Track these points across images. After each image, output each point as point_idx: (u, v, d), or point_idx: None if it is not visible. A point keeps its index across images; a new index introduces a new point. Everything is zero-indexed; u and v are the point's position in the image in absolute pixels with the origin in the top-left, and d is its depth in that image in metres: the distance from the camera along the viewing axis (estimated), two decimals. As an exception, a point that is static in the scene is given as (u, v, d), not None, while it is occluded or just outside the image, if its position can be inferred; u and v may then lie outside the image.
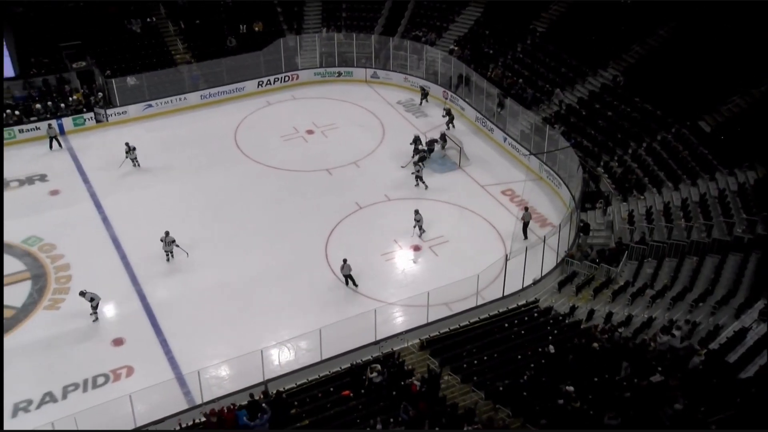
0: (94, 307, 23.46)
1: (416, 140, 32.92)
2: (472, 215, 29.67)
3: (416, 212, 28.18)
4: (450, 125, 34.62)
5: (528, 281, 25.50)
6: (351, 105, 37.29)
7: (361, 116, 36.35)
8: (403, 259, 27.44)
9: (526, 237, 27.83)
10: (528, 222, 28.05)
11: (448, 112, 34.88)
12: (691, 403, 17.27)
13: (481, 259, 26.13)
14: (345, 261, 25.61)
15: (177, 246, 26.29)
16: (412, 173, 30.98)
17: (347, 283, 25.63)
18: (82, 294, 23.42)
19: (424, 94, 36.67)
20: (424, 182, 30.71)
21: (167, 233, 26.29)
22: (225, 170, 32.03)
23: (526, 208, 28.57)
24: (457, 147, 33.18)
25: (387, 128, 35.29)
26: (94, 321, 23.46)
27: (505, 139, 34.12)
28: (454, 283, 24.37)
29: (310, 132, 35.05)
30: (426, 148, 32.67)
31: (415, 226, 28.01)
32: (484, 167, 32.77)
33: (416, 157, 31.92)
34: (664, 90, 31.83)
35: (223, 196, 30.45)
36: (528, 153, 32.58)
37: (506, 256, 24.98)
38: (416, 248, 27.90)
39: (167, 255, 26.36)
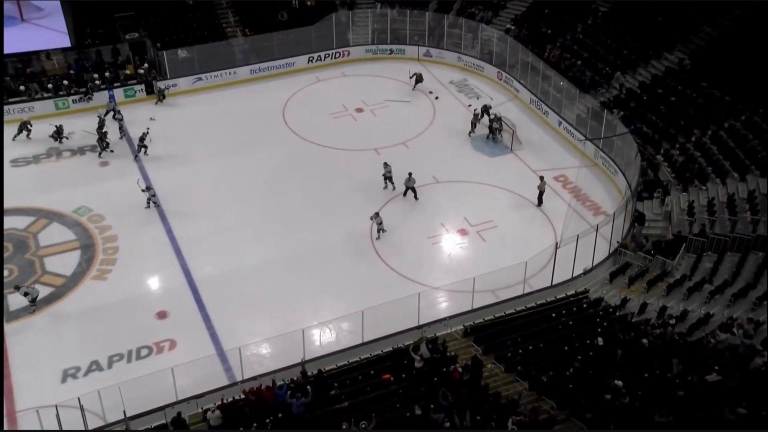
0: (31, 301, 23.37)
1: (485, 111, 33.15)
2: (523, 200, 29.53)
3: (385, 164, 28.66)
4: (414, 88, 34.53)
5: (578, 271, 25.32)
6: (403, 84, 37.32)
7: (413, 95, 36.45)
8: (450, 244, 27.46)
9: (540, 204, 28.27)
10: (543, 191, 28.37)
11: (418, 78, 34.48)
12: (752, 407, 16.92)
13: (529, 246, 26.05)
14: (410, 174, 27.86)
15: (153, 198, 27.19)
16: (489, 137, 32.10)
17: (405, 194, 27.73)
18: (17, 288, 23.34)
19: (418, 80, 35.48)
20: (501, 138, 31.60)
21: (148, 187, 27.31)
22: (272, 147, 32.22)
23: (542, 177, 28.69)
24: (510, 130, 33.15)
25: (438, 108, 35.36)
26: (31, 312, 23.24)
27: (560, 124, 33.81)
28: (501, 270, 24.26)
29: (359, 110, 35.18)
30: (495, 119, 32.70)
31: (386, 181, 28.49)
32: (536, 152, 32.61)
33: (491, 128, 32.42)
34: (736, 75, 31.08)
35: (269, 174, 30.68)
36: (583, 138, 32.22)
37: (556, 243, 24.83)
38: (463, 232, 27.94)
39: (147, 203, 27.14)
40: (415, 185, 27.94)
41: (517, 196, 29.73)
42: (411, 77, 35.56)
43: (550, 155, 32.45)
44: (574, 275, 25.26)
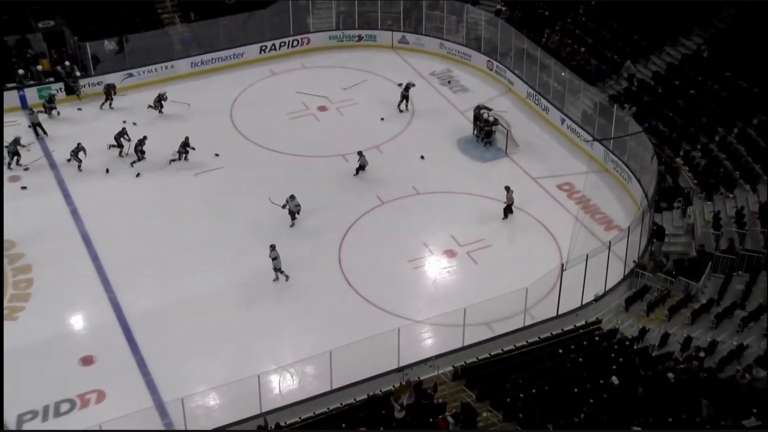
0: None
1: (479, 112, 33.24)
2: (521, 214, 29.64)
3: (359, 154, 30.64)
4: (404, 102, 34.34)
5: (588, 297, 25.38)
6: (374, 75, 37.45)
7: (386, 90, 36.54)
8: (435, 268, 27.51)
9: (505, 216, 28.72)
10: (511, 203, 28.58)
11: (407, 87, 34.48)
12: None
13: (530, 269, 26.08)
14: (360, 153, 30.22)
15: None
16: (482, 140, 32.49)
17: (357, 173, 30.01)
18: None
19: (405, 93, 34.46)
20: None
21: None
22: (219, 155, 32.16)
23: (508, 188, 28.81)
24: (505, 130, 33.04)
25: (418, 105, 35.42)
26: None
27: (563, 121, 33.98)
28: (497, 298, 24.25)
29: (322, 109, 35.28)
30: (489, 121, 32.83)
31: (358, 172, 30.38)
32: (536, 155, 32.81)
33: (482, 133, 32.73)
34: (764, 62, 31.27)
35: (215, 187, 30.61)
36: (590, 139, 32.36)
37: (562, 265, 24.88)
38: (451, 254, 27.94)
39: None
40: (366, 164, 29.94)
41: (514, 208, 29.64)
42: (403, 88, 34.84)
43: (551, 159, 32.61)
44: (583, 303, 25.27)
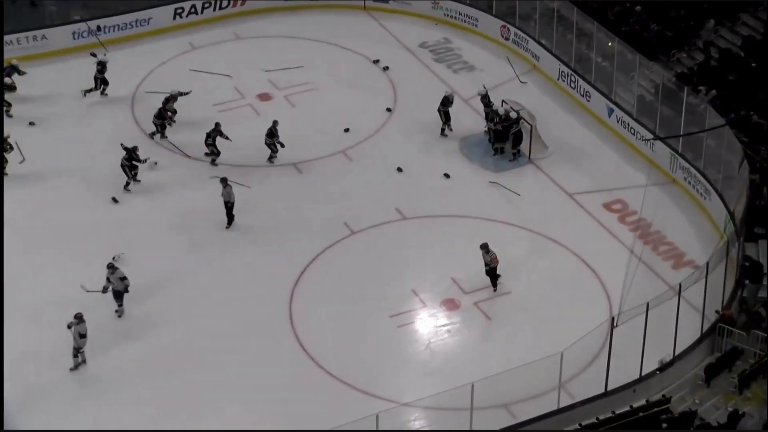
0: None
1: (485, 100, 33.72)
2: (552, 246, 29.77)
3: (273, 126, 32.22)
4: (445, 127, 34.12)
5: (651, 365, 25.29)
6: (339, 50, 37.81)
7: (357, 70, 36.89)
8: (429, 326, 27.50)
9: (494, 286, 28.11)
10: (493, 267, 27.90)
11: (445, 102, 34.09)
12: None
13: (566, 326, 26.17)
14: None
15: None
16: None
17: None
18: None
19: (445, 112, 34.11)
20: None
21: None
22: (117, 164, 31.71)
23: (486, 247, 27.78)
24: (527, 125, 33.09)
25: (402, 90, 35.79)
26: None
27: (611, 113, 34.12)
28: (519, 369, 24.01)
29: (264, 98, 35.61)
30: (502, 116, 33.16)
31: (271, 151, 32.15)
32: (573, 161, 33.14)
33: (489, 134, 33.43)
34: None
35: (113, 211, 30.61)
36: (651, 137, 32.44)
37: (612, 320, 24.69)
38: (451, 305, 27.91)
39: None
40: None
41: (541, 238, 29.79)
42: (440, 103, 34.09)
43: (595, 167, 32.90)
44: (643, 374, 25.15)
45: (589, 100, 34.94)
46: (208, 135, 32.09)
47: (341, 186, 31.94)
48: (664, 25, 35.68)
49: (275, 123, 32.31)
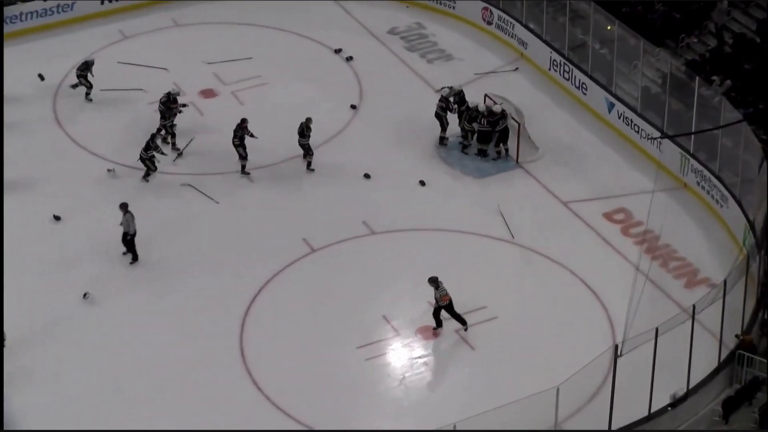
0: None
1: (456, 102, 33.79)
2: (544, 263, 29.88)
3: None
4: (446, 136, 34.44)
5: (661, 400, 25.21)
6: (296, 38, 38.18)
7: (316, 61, 37.16)
8: (402, 357, 27.48)
9: (437, 325, 27.83)
10: (441, 306, 27.56)
11: (460, 97, 34.13)
12: None
13: (563, 356, 26.32)
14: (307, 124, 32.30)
15: None
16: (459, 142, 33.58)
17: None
18: None
19: (446, 104, 34.18)
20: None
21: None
22: (38, 174, 32.20)
23: (436, 281, 27.41)
24: (515, 123, 33.27)
25: (368, 84, 36.16)
26: None
27: (611, 107, 34.33)
28: (508, 407, 23.69)
29: (208, 94, 35.95)
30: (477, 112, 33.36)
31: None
32: (568, 164, 33.45)
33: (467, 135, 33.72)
34: None
35: (29, 230, 30.44)
36: (659, 136, 32.46)
37: (615, 348, 24.64)
38: (429, 333, 27.90)
39: None
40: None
41: (532, 254, 29.97)
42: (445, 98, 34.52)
43: (593, 170, 33.22)
44: (652, 410, 25.03)
45: (585, 94, 35.22)
46: (235, 134, 32.39)
47: (299, 196, 32.10)
48: (670, 6, 35.76)
49: (244, 121, 32.51)
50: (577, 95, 35.44)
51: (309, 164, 32.92)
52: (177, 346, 27.55)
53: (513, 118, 33.29)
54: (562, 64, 35.73)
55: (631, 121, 33.63)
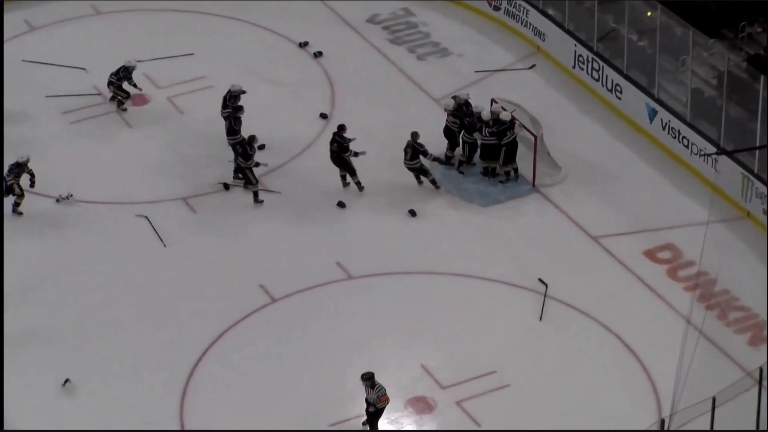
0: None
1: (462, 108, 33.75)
2: (569, 315, 29.90)
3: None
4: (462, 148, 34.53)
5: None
6: (249, 28, 38.92)
7: (276, 58, 37.84)
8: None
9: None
10: (380, 409, 27.20)
11: (466, 110, 34.21)
12: None
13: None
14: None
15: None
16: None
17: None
18: None
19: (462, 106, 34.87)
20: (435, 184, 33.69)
21: None
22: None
23: (371, 381, 27.03)
24: (529, 136, 33.39)
25: (342, 87, 36.60)
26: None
27: (652, 115, 34.41)
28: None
29: (138, 101, 36.38)
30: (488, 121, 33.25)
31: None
32: (596, 188, 33.61)
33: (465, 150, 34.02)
34: None
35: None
36: (714, 152, 32.37)
37: (662, 422, 24.79)
38: (423, 406, 27.75)
39: None
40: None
41: (554, 303, 29.93)
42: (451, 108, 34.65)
43: (630, 195, 33.31)
44: None
45: (620, 98, 35.27)
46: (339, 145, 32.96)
47: (255, 231, 32.18)
48: (727, -13, 35.74)
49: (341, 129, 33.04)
50: (609, 100, 35.65)
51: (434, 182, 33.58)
52: (107, 414, 27.69)
53: (527, 129, 33.26)
54: (590, 60, 35.89)
55: (679, 133, 33.64)
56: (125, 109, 35.94)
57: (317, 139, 34.86)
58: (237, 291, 30.41)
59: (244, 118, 34.31)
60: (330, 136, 33.95)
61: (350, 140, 32.72)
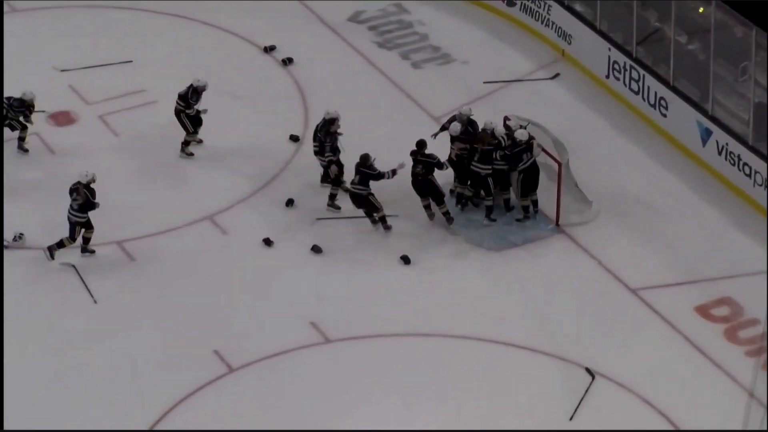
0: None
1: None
2: (605, 386, 29.44)
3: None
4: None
5: None
6: (201, 29, 39.76)
7: (236, 65, 38.42)
8: None
9: None
10: None
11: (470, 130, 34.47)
12: None
13: None
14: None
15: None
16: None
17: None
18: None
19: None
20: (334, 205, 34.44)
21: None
22: None
23: None
24: (551, 163, 33.34)
25: (317, 101, 36.78)
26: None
27: (706, 136, 34.14)
28: None
29: (62, 119, 36.82)
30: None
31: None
32: (635, 228, 33.49)
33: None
34: None
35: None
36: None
37: None
38: None
39: None
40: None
41: (583, 373, 29.49)
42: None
43: (677, 237, 33.15)
44: None
45: (665, 115, 35.18)
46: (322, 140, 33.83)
47: (209, 283, 31.94)
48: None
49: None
50: (651, 117, 35.60)
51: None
52: None
53: (549, 154, 33.22)
54: (628, 68, 35.80)
55: (739, 159, 33.41)
56: (26, 150, 36.01)
57: (285, 168, 35.00)
58: (186, 357, 30.23)
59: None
60: (300, 167, 34.94)
61: (435, 158, 33.04)
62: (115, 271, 32.59)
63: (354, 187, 32.81)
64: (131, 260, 32.76)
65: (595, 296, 31.55)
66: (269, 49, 37.87)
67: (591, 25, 36.57)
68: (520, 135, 32.48)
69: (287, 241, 33.23)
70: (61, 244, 32.61)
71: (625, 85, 35.90)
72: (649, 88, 35.28)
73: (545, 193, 33.23)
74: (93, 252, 33.01)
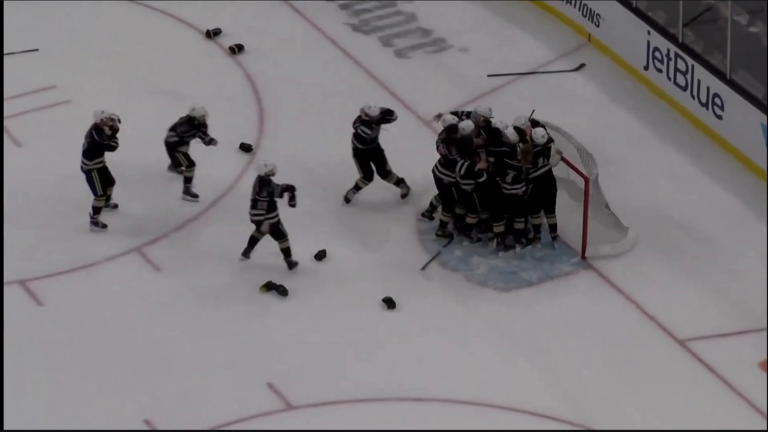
0: None
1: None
2: None
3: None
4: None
5: None
6: (134, 10, 41.59)
7: (172, 55, 40.15)
8: None
9: None
10: None
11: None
12: None
13: None
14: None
15: None
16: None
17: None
18: None
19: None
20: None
21: None
22: None
23: None
24: (578, 179, 33.61)
25: (274, 104, 38.21)
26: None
27: None
28: None
29: None
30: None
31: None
32: (682, 261, 33.89)
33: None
34: None
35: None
36: None
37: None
38: None
39: None
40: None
41: None
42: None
43: (736, 276, 33.40)
44: None
45: (720, 116, 35.51)
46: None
47: (137, 333, 32.28)
48: None
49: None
50: (702, 119, 36.05)
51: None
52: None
53: (572, 167, 33.54)
54: (673, 56, 36.34)
55: None
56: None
57: (236, 184, 35.61)
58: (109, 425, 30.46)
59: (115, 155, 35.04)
60: (253, 181, 34.32)
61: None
62: (19, 316, 32.70)
63: (252, 214, 33.16)
64: (38, 305, 33.16)
65: (631, 347, 31.64)
66: (213, 34, 38.45)
67: (625, 2, 36.77)
68: (539, 136, 32.76)
69: (239, 280, 33.57)
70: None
71: (669, 78, 36.28)
72: (699, 81, 35.57)
73: (568, 216, 33.52)
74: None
